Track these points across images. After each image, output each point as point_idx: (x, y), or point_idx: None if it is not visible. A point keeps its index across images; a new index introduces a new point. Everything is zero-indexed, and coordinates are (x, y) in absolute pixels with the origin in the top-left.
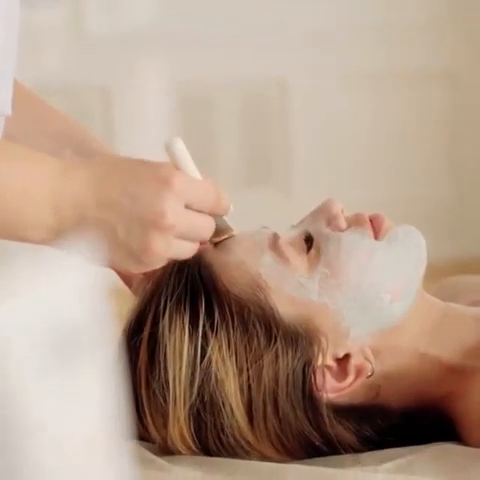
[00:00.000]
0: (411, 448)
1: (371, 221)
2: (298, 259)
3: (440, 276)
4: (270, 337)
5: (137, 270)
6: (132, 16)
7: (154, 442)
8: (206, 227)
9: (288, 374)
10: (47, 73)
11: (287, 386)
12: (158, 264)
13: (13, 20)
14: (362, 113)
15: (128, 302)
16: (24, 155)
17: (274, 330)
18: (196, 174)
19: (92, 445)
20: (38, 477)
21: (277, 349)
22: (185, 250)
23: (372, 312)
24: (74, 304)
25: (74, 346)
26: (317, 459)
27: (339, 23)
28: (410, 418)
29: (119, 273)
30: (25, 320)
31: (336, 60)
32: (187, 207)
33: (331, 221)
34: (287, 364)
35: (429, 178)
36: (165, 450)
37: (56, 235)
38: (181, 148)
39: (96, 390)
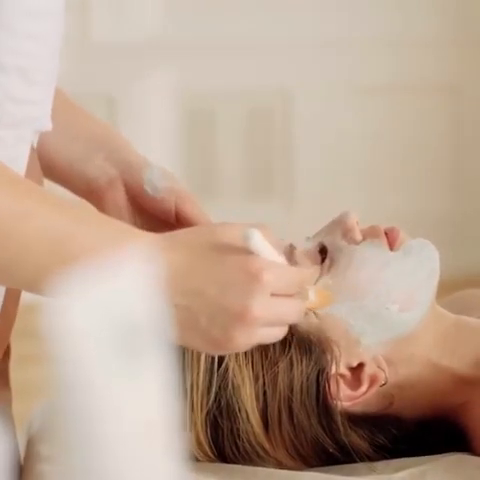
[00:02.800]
0: (425, 458)
1: (386, 233)
2: (310, 269)
3: (443, 290)
4: (285, 345)
5: (213, 353)
6: (138, 26)
7: None
8: (292, 311)
9: (302, 381)
10: None
11: (301, 393)
12: (239, 351)
13: (60, 32)
14: (365, 126)
15: None
16: (114, 228)
17: (289, 338)
18: (279, 259)
19: (150, 433)
20: (101, 452)
21: (291, 357)
22: (271, 336)
23: (381, 322)
24: (137, 303)
25: (137, 340)
26: (331, 467)
27: (344, 36)
28: (424, 428)
29: None
30: (97, 316)
31: (340, 73)
32: (273, 295)
33: (346, 233)
34: (301, 372)
35: (432, 192)
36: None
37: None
38: (260, 239)
39: (156, 381)
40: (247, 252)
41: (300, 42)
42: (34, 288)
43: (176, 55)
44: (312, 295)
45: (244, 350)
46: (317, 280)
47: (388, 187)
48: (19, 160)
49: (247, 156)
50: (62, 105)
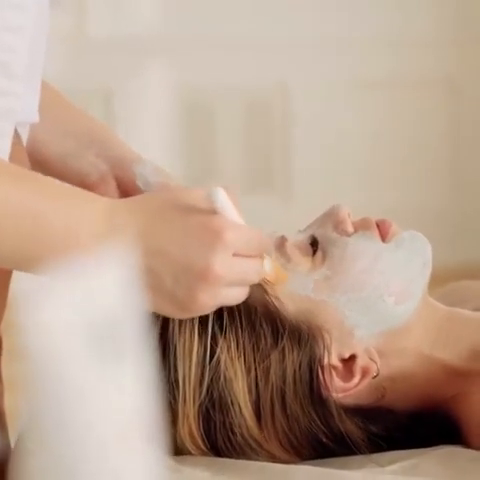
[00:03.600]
0: (417, 451)
1: (378, 225)
2: (302, 259)
3: (439, 283)
4: (276, 335)
5: (181, 317)
6: (135, 20)
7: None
8: (253, 271)
9: (295, 370)
10: (50, 76)
11: (294, 384)
12: (204, 313)
13: (42, 25)
14: (364, 121)
15: None
16: (68, 194)
17: (280, 328)
18: (239, 220)
19: (130, 428)
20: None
21: (283, 347)
22: (234, 297)
23: (376, 313)
24: (115, 296)
25: (113, 339)
26: (324, 460)
27: (343, 34)
28: (416, 420)
29: None
30: (71, 311)
31: (339, 68)
32: (235, 255)
33: (338, 225)
34: (293, 361)
35: (431, 188)
36: (174, 450)
37: None
38: (225, 198)
39: (135, 378)
40: (209, 212)
41: (299, 38)
42: (19, 267)
43: (174, 50)
44: (267, 266)
45: (209, 312)
46: (315, 271)
47: (387, 183)
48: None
49: (246, 151)
50: (52, 100)
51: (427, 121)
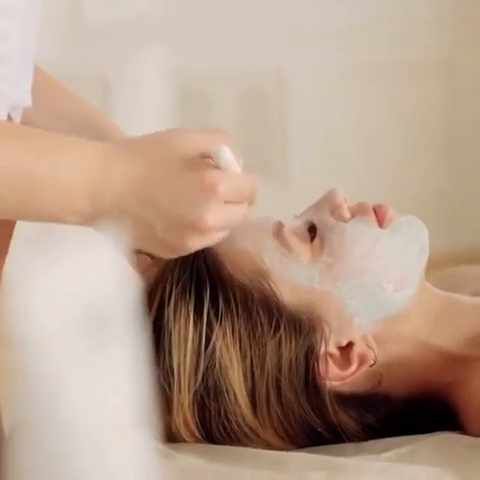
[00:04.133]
0: (413, 437)
1: (374, 210)
2: (301, 247)
3: (436, 267)
4: (273, 324)
5: (169, 257)
6: (131, 6)
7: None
8: (240, 216)
9: (291, 361)
10: (45, 61)
11: (290, 373)
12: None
13: (33, 8)
14: (360, 105)
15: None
16: (62, 143)
17: (277, 317)
18: (237, 169)
19: (117, 422)
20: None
21: (280, 336)
22: (219, 238)
23: (375, 301)
24: (106, 283)
25: (102, 325)
26: (320, 447)
27: (338, 16)
28: (413, 407)
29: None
30: (54, 302)
31: (334, 52)
32: (226, 202)
33: (334, 211)
34: (290, 351)
35: (427, 169)
36: (169, 437)
37: (92, 222)
38: (229, 155)
39: (125, 364)
40: (205, 164)
41: (296, 24)
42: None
43: (171, 36)
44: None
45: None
46: (317, 259)
47: (384, 165)
48: None
49: (242, 137)
50: (46, 84)
51: (424, 105)
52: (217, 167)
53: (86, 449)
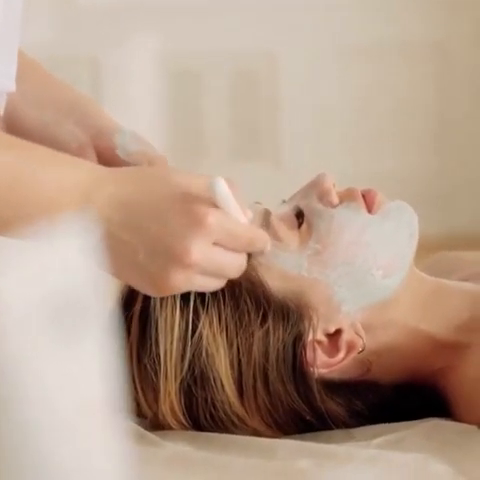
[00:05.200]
0: (402, 424)
1: (363, 196)
2: (289, 234)
3: (426, 252)
4: (261, 312)
5: (149, 293)
6: None
7: (145, 417)
8: (234, 266)
9: (278, 349)
10: (36, 44)
11: (277, 361)
12: (173, 293)
13: None
14: (351, 87)
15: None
16: (53, 160)
17: (265, 305)
18: (239, 215)
19: (88, 409)
20: (34, 436)
21: (268, 324)
22: (207, 286)
23: (364, 288)
24: (72, 273)
25: (73, 313)
26: (308, 434)
27: None
28: (402, 393)
29: None
30: (25, 288)
31: (326, 34)
32: (216, 244)
33: (323, 196)
34: (277, 339)
35: (418, 152)
36: (156, 425)
37: None
38: (224, 189)
39: (94, 357)
40: (200, 199)
41: (286, 3)
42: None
43: (160, 17)
44: None
45: (178, 293)
46: (305, 246)
47: (374, 150)
48: None
49: (233, 118)
50: (31, 69)
51: (414, 87)
52: (213, 204)
53: (60, 440)
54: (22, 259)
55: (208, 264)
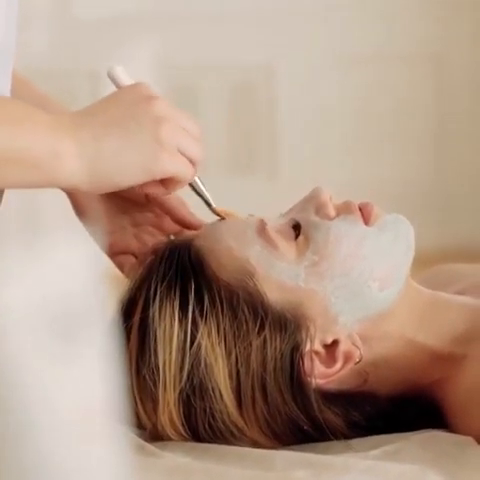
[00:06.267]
0: (399, 435)
1: (360, 209)
2: (286, 245)
3: (423, 265)
4: (258, 323)
5: (152, 166)
6: (121, 0)
7: (144, 428)
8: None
9: (276, 359)
10: (35, 57)
11: (275, 371)
12: (171, 153)
13: (13, 6)
14: (349, 99)
15: (119, 287)
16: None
17: (262, 315)
18: None
19: (88, 412)
20: (34, 437)
21: (265, 334)
22: (191, 146)
23: (361, 299)
24: (74, 282)
25: (75, 322)
26: (306, 445)
27: (327, 8)
28: (398, 404)
29: (113, 258)
30: (26, 291)
31: (323, 47)
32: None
33: (319, 209)
34: (275, 349)
35: (416, 163)
36: (155, 436)
37: (85, 172)
38: (123, 73)
39: (94, 366)
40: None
41: (283, 15)
42: None
43: (158, 29)
44: None
45: (174, 150)
46: (302, 257)
47: (372, 159)
48: None
49: (230, 131)
50: (23, 87)
51: (412, 97)
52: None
53: (55, 435)
54: (24, 265)
55: (180, 116)
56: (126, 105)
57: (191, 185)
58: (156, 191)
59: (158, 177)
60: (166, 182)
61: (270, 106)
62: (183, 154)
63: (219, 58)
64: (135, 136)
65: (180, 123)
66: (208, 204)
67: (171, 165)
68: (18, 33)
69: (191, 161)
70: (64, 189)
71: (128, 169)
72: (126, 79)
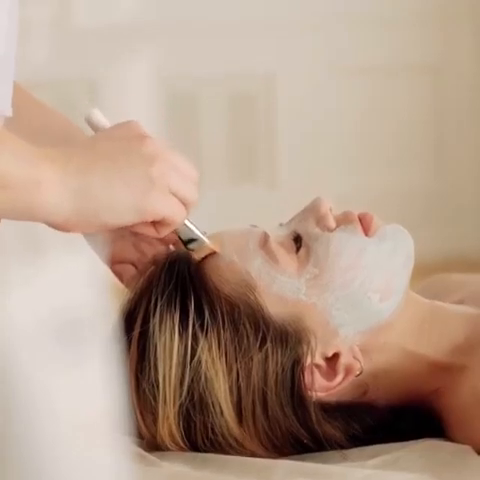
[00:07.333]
0: (398, 444)
1: (360, 219)
2: (287, 258)
3: (423, 274)
4: (260, 337)
5: (142, 203)
6: (119, 9)
7: (143, 438)
8: (192, 188)
9: (277, 373)
10: (34, 66)
11: (276, 385)
12: (162, 190)
13: (13, 17)
14: (349, 110)
15: (119, 298)
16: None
17: (264, 329)
18: None
19: (93, 425)
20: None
21: (267, 348)
22: (183, 186)
23: (361, 311)
24: (79, 292)
25: (78, 332)
26: (305, 455)
27: (327, 19)
28: (398, 415)
29: (112, 268)
30: (31, 303)
31: (323, 57)
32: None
33: (320, 221)
34: (276, 363)
35: (416, 173)
36: (154, 447)
37: (71, 209)
38: (101, 118)
39: (97, 376)
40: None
41: (283, 26)
42: None
43: (157, 39)
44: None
45: (166, 189)
46: (303, 270)
47: (372, 169)
48: None
49: (230, 140)
50: (25, 99)
51: (412, 107)
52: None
53: (56, 463)
54: (27, 277)
55: (173, 157)
56: (118, 141)
57: (176, 230)
58: (146, 233)
59: (149, 219)
60: (156, 224)
61: (269, 116)
62: (175, 195)
63: (219, 68)
64: (125, 171)
65: (173, 163)
66: (201, 242)
67: (162, 205)
68: (18, 43)
69: (183, 202)
70: (45, 223)
71: (117, 207)
72: (105, 122)
